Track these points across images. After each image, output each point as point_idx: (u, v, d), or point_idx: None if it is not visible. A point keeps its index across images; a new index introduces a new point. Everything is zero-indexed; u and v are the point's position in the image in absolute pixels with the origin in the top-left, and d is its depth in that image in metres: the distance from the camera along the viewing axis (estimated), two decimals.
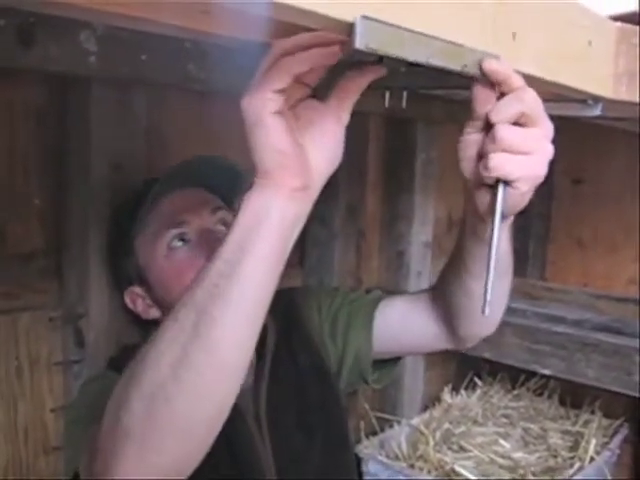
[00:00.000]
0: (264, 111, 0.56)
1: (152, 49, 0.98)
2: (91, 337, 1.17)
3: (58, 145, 1.16)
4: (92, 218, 1.13)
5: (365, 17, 0.46)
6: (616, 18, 0.92)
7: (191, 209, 0.97)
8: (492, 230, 0.64)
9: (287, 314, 1.08)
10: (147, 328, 1.01)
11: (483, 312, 0.62)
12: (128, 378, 0.62)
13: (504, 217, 0.68)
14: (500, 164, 0.61)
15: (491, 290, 0.63)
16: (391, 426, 1.93)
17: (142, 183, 1.05)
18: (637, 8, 0.95)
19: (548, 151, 0.63)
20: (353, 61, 0.59)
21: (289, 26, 0.50)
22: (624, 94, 0.92)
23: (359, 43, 0.46)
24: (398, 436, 1.89)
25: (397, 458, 1.81)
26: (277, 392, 0.98)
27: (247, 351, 0.60)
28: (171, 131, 1.31)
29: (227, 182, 1.01)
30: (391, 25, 0.48)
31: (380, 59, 0.57)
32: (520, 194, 0.64)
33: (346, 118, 0.62)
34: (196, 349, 0.57)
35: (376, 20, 0.46)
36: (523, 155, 0.61)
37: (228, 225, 0.84)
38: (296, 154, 0.58)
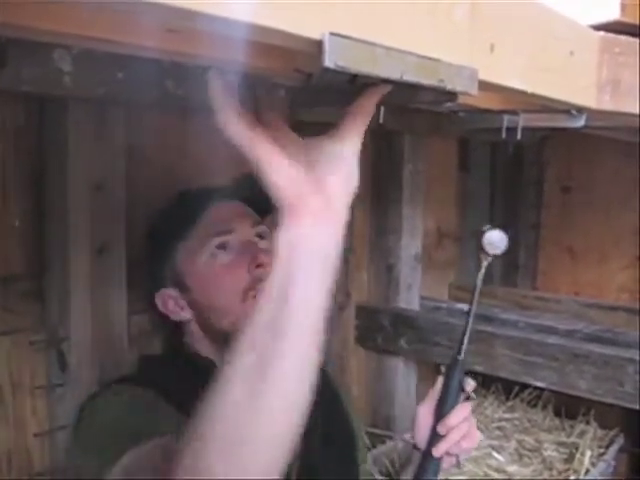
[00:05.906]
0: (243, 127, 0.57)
1: (128, 67, 0.97)
2: (74, 360, 1.15)
3: (36, 166, 1.14)
4: (73, 239, 1.12)
5: (334, 34, 0.44)
6: (598, 27, 0.91)
7: (235, 219, 1.04)
8: None
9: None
10: (171, 331, 1.08)
11: None
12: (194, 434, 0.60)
13: None
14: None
15: None
16: (383, 442, 1.90)
17: (178, 194, 1.09)
18: (619, 17, 0.94)
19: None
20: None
21: (259, 45, 0.49)
22: (608, 104, 0.91)
23: (328, 61, 0.44)
24: (391, 452, 1.86)
25: (390, 474, 1.79)
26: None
27: (307, 383, 0.59)
28: (151, 149, 1.29)
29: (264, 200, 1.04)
30: (361, 41, 0.46)
31: (352, 77, 0.55)
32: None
33: (356, 141, 0.61)
34: (263, 389, 0.57)
35: (345, 37, 0.45)
36: None
37: (264, 238, 1.02)
38: (303, 171, 0.58)
